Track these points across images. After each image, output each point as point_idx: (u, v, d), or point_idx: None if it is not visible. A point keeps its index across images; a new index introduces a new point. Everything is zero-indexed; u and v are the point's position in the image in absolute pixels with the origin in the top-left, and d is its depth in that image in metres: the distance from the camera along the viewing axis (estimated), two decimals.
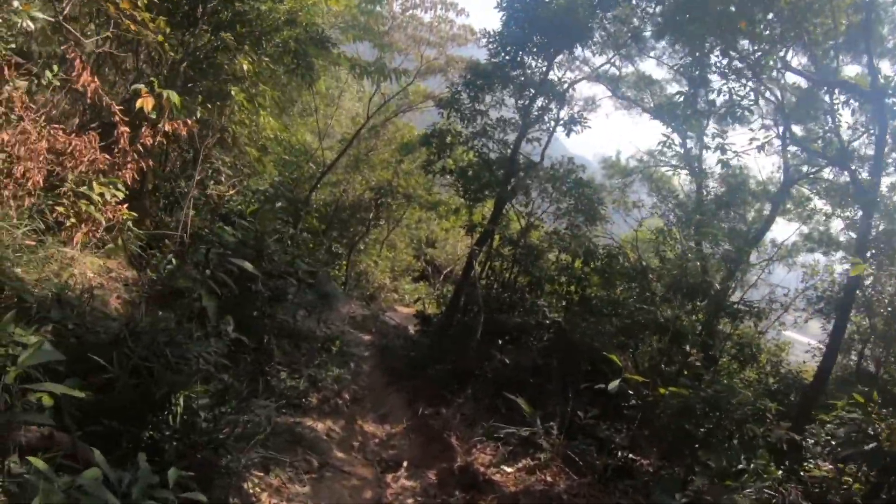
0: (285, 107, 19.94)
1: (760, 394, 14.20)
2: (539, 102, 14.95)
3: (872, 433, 6.48)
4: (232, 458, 5.98)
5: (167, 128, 9.21)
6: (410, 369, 12.47)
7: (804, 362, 19.03)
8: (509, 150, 14.88)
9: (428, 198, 22.63)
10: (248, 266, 8.92)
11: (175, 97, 9.11)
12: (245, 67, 11.21)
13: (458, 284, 15.14)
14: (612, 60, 17.84)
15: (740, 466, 7.40)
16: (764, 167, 42.08)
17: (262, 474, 7.09)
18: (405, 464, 9.15)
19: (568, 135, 14.55)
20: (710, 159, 18.34)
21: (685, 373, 12.22)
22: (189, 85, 11.17)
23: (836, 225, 18.51)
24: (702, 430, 8.23)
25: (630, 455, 9.23)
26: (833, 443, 7.28)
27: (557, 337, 12.34)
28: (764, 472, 7.36)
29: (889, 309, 15.21)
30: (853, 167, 13.80)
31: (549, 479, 8.33)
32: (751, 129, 15.89)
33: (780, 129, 16.16)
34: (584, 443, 9.24)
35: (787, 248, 18.75)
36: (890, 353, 16.16)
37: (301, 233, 17.99)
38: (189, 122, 9.62)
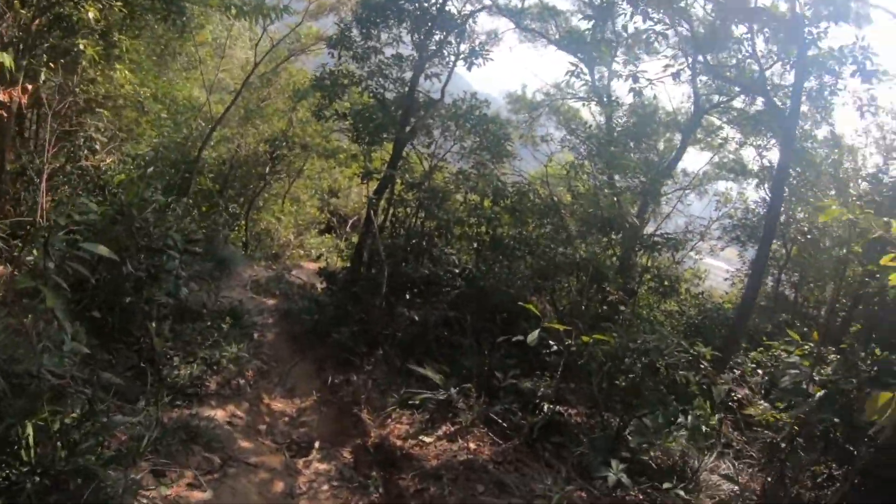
0: (165, 61, 18.39)
1: (684, 329, 14.19)
2: (437, 37, 13.92)
3: (817, 378, 5.93)
4: (111, 480, 4.96)
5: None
6: (316, 334, 11.35)
7: (725, 292, 19.09)
8: (407, 89, 13.86)
9: (326, 146, 21.20)
10: (103, 250, 7.62)
11: (6, 58, 7.68)
12: (91, 16, 9.79)
13: (360, 236, 14.05)
14: None
15: (679, 421, 6.79)
16: (674, 97, 42.33)
17: (153, 486, 6.07)
18: (317, 444, 8.22)
19: (469, 69, 13.60)
20: (620, 90, 17.92)
21: (604, 309, 11.70)
22: (37, 43, 9.74)
23: (748, 153, 18.34)
24: (630, 376, 7.65)
25: (557, 408, 8.45)
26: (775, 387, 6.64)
27: (469, 285, 11.42)
28: (706, 424, 6.80)
29: (808, 237, 15.15)
30: (771, 95, 13.46)
31: (472, 445, 7.54)
32: (665, 56, 15.61)
33: (690, 59, 15.70)
34: (507, 401, 8.47)
35: (700, 177, 18.52)
36: (805, 279, 16.19)
37: (187, 198, 16.66)
38: (28, 87, 8.25)
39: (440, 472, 6.94)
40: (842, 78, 13.42)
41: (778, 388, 6.17)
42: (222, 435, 7.57)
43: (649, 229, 15.15)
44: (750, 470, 8.04)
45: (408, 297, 11.43)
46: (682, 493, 6.69)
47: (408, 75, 14.07)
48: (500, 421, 8.07)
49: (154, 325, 8.54)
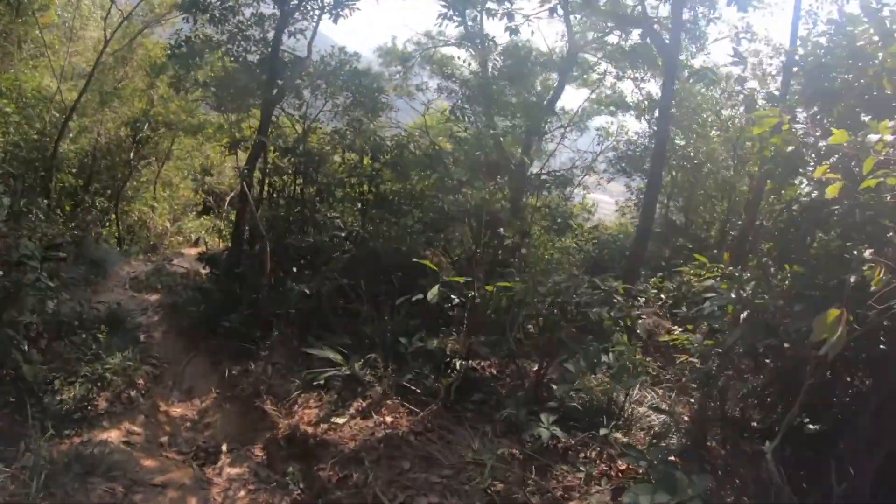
0: (8, 50, 16.78)
1: (584, 264, 14.15)
2: None
3: (737, 297, 5.68)
4: None
5: None
6: (206, 326, 10.41)
7: (619, 224, 19.25)
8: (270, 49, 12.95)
9: (190, 121, 19.77)
10: None
11: None
12: None
13: (237, 213, 13.10)
14: None
15: (602, 360, 6.46)
16: (548, 36, 42.38)
17: None
18: (225, 447, 7.51)
19: (335, 21, 12.76)
20: (494, 31, 17.48)
21: (501, 254, 11.42)
22: None
23: (626, 87, 18.34)
24: (542, 321, 7.33)
25: (470, 364, 8.05)
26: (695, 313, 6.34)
27: (359, 249, 10.74)
28: (629, 361, 6.52)
29: (695, 162, 15.33)
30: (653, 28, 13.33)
31: (388, 419, 7.01)
32: None
33: None
34: (417, 366, 7.91)
35: (579, 114, 18.41)
36: (691, 203, 16.45)
37: (48, 199, 15.30)
38: None
39: (360, 454, 6.39)
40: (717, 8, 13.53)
41: (701, 314, 5.89)
42: (121, 458, 6.72)
43: (535, 169, 15.00)
44: (672, 395, 7.92)
45: (296, 270, 10.68)
46: (618, 435, 6.49)
47: (271, 35, 13.19)
48: (413, 388, 7.55)
49: (24, 349, 7.58)
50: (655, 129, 15.93)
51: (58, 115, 17.76)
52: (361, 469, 6.17)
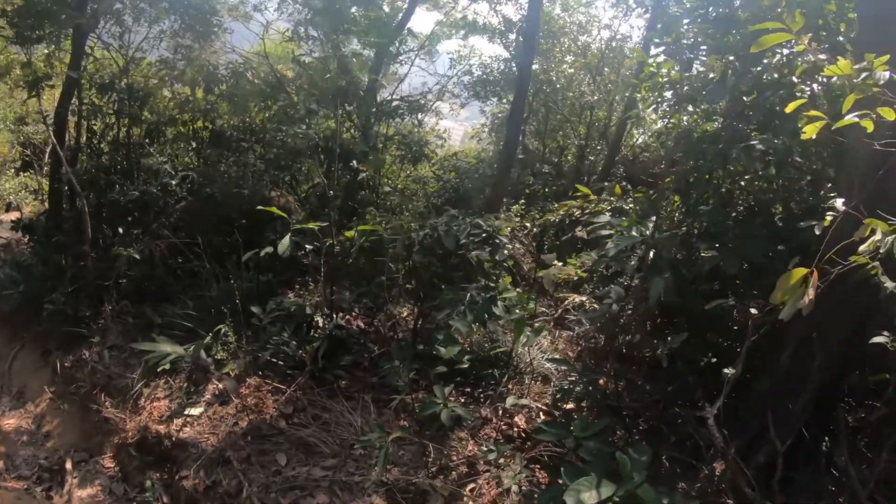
0: None
1: (446, 195, 13.45)
2: None
3: (638, 234, 5.19)
4: None
5: None
6: (30, 309, 8.68)
7: (480, 151, 18.67)
8: None
9: None
10: None
11: None
12: None
13: (51, 166, 11.21)
14: None
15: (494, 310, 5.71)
16: None
17: None
18: (69, 463, 6.23)
19: None
20: None
21: (354, 190, 10.56)
22: None
23: (480, 9, 17.55)
24: (410, 262, 6.58)
25: (336, 321, 6.99)
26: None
27: (196, 197, 9.28)
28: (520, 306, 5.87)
29: (557, 87, 14.88)
30: None
31: (250, 401, 5.94)
32: None
33: None
34: (276, 331, 6.76)
35: (430, 37, 17.45)
36: (547, 129, 16.12)
37: None
38: None
39: (226, 453, 5.32)
40: None
41: (603, 254, 5.37)
42: None
43: (386, 95, 14.07)
44: (566, 334, 7.47)
45: (122, 231, 9.11)
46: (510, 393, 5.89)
47: None
48: (274, 360, 6.50)
49: None
50: (513, 52, 15.43)
51: None
52: (231, 472, 5.16)
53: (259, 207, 6.97)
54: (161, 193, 9.06)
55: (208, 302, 7.63)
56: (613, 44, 15.56)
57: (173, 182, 9.35)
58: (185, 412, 6.05)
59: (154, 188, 9.00)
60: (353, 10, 13.75)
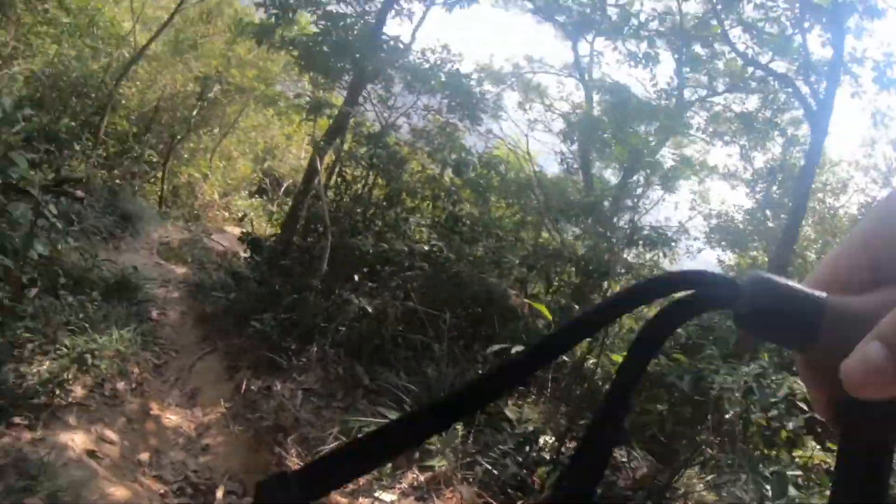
0: None
1: None
2: None
3: None
4: None
5: None
6: (232, 318, 8.44)
7: None
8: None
9: (266, 90, 17.77)
10: None
11: None
12: None
13: (296, 195, 11.16)
14: None
15: None
16: (645, 80, 40.37)
17: None
18: (220, 491, 5.45)
19: (450, 10, 11.17)
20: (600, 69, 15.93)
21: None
22: None
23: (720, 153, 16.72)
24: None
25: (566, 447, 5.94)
26: None
27: (440, 270, 8.62)
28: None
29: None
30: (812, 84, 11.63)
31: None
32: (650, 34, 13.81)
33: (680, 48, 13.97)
34: (491, 436, 5.89)
35: (671, 171, 16.64)
36: None
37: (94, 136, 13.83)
38: None
39: None
40: None
41: None
42: (79, 476, 4.76)
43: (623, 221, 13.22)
44: None
45: (356, 278, 8.76)
46: None
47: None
48: (493, 470, 5.50)
49: None
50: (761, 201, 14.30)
51: (127, 55, 16.32)
52: None
53: (528, 302, 6.12)
54: (409, 254, 8.52)
55: (426, 379, 6.84)
56: None
57: (424, 248, 8.79)
58: (376, 494, 5.17)
59: (401, 247, 8.50)
60: (609, 129, 13.31)
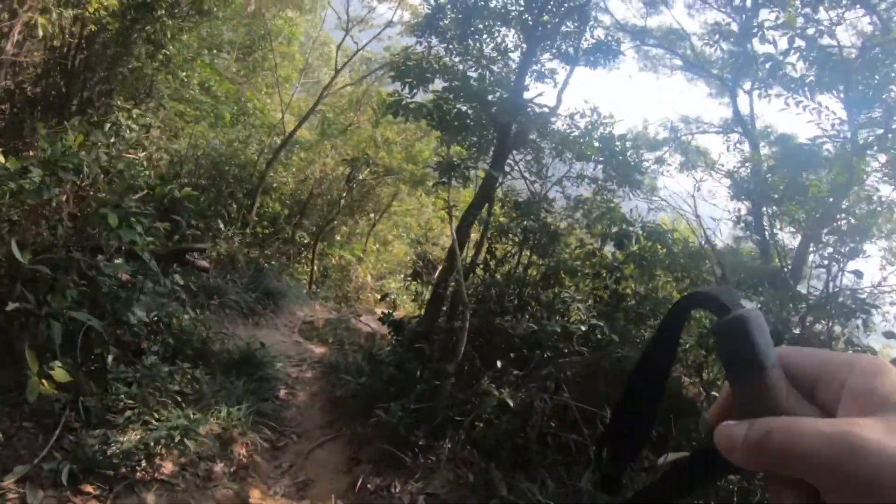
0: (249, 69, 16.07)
1: None
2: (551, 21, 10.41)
3: None
4: None
5: None
6: (359, 405, 7.53)
7: None
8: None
9: (414, 170, 17.30)
10: None
11: None
12: None
13: (440, 273, 10.06)
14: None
15: None
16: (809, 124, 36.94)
17: None
18: None
19: (594, 67, 10.12)
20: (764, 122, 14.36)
21: None
22: None
23: None
24: None
25: None
26: None
27: (601, 355, 7.21)
28: None
29: None
30: None
31: None
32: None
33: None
34: None
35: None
36: None
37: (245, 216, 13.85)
38: None
39: None
40: None
41: None
42: None
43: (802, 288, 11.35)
44: None
45: (500, 364, 7.41)
46: None
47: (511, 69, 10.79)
48: None
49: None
50: None
51: (278, 142, 16.64)
52: None
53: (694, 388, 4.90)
54: (564, 335, 7.31)
55: (578, 491, 5.56)
56: None
57: (582, 328, 7.56)
58: None
59: (554, 327, 7.32)
60: (782, 185, 11.67)
